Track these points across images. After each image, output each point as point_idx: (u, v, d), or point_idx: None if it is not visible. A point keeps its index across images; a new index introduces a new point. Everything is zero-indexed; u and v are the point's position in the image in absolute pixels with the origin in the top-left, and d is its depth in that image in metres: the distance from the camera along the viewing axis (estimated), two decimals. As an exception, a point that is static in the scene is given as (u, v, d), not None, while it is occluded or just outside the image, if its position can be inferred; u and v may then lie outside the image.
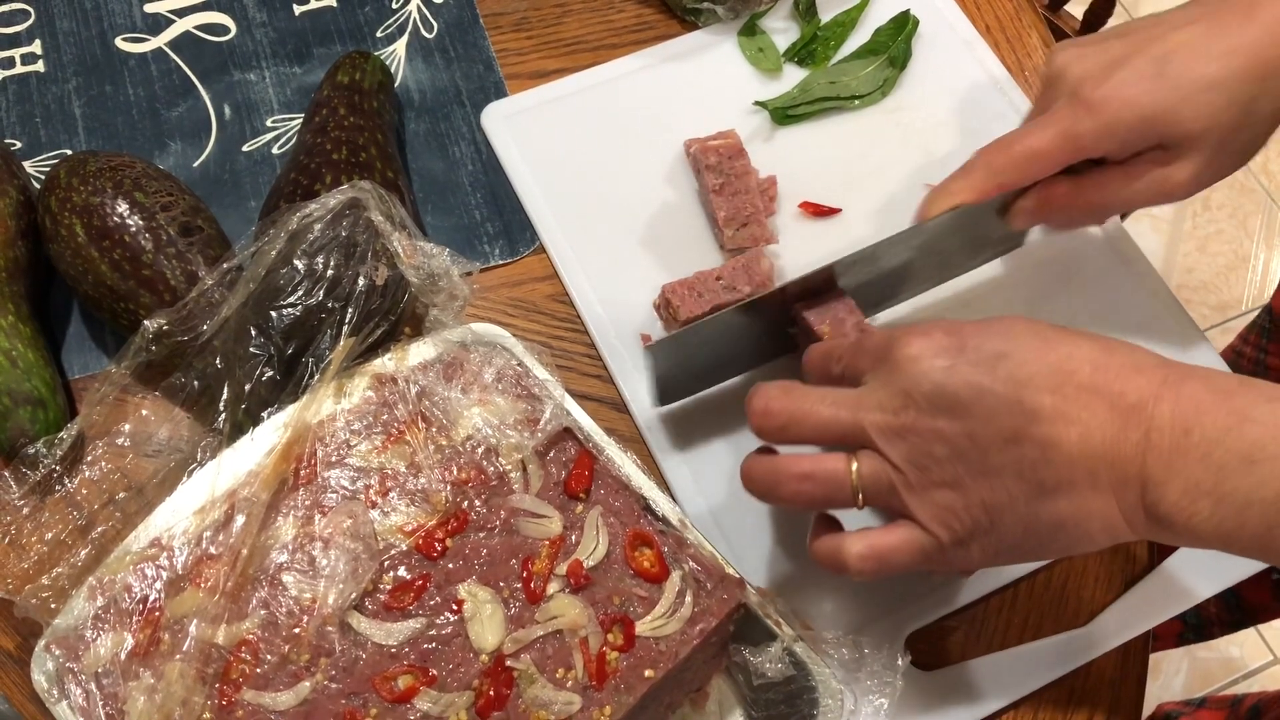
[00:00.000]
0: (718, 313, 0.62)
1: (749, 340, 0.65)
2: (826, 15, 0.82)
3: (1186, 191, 0.61)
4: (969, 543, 0.50)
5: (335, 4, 0.83)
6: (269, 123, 0.78)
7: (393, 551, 0.56)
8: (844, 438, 0.52)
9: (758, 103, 0.78)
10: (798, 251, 0.73)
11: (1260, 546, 0.46)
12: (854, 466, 0.52)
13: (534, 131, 0.77)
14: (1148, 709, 0.69)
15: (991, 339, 0.50)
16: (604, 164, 0.76)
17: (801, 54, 0.81)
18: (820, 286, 0.63)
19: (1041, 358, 0.49)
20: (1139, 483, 0.47)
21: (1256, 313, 1.05)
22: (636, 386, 0.69)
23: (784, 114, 0.78)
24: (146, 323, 0.60)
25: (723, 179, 0.72)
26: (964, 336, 0.51)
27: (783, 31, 0.82)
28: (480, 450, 0.59)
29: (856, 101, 0.79)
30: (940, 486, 0.50)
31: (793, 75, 0.80)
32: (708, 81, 0.80)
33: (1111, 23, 1.34)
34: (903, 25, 0.81)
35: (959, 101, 0.79)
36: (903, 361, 0.51)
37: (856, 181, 0.75)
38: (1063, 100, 0.60)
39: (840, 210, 0.75)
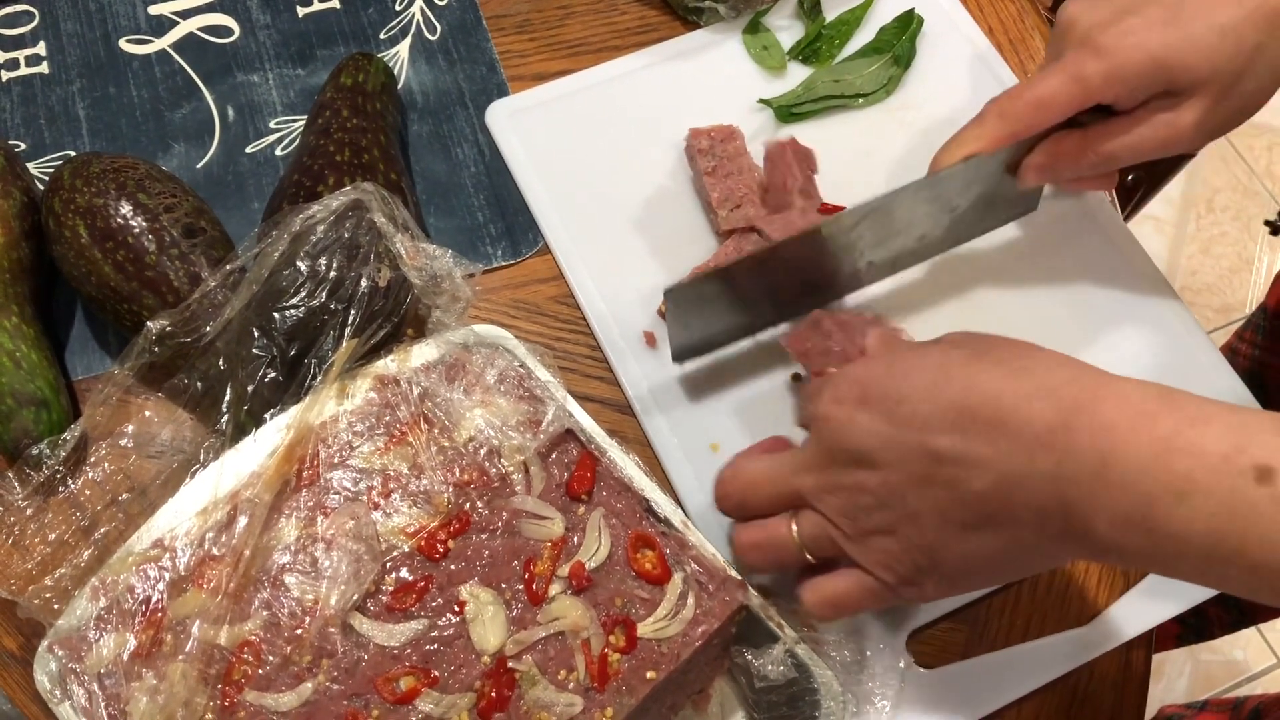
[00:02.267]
0: (736, 259, 0.62)
1: (768, 292, 0.65)
2: (831, 14, 0.82)
3: (1192, 138, 0.61)
4: (917, 581, 0.51)
5: (339, 6, 0.83)
6: (272, 124, 0.79)
7: (395, 553, 0.56)
8: (788, 502, 0.54)
9: (762, 100, 0.78)
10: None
11: (1200, 576, 0.44)
12: (793, 527, 0.54)
13: (538, 129, 0.77)
14: (1150, 711, 0.69)
15: (892, 381, 0.50)
16: (608, 162, 0.76)
17: (806, 52, 0.81)
18: (836, 243, 0.64)
19: (938, 396, 0.48)
20: (1060, 514, 0.45)
21: (1253, 312, 1.04)
22: (640, 386, 0.69)
23: (788, 112, 0.78)
24: (149, 324, 0.61)
25: (715, 162, 0.73)
26: (867, 383, 0.51)
27: (787, 30, 0.82)
28: (482, 452, 0.59)
29: (861, 100, 0.79)
30: (875, 534, 0.51)
31: (797, 73, 0.80)
32: (712, 79, 0.80)
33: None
34: (907, 24, 0.81)
35: (963, 100, 0.79)
36: (818, 420, 0.52)
37: (860, 179, 0.75)
38: (1072, 47, 0.60)
39: (844, 208, 0.74)
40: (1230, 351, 1.03)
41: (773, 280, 0.64)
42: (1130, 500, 0.43)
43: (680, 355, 0.67)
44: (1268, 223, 0.91)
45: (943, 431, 0.48)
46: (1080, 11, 0.61)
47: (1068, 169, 0.64)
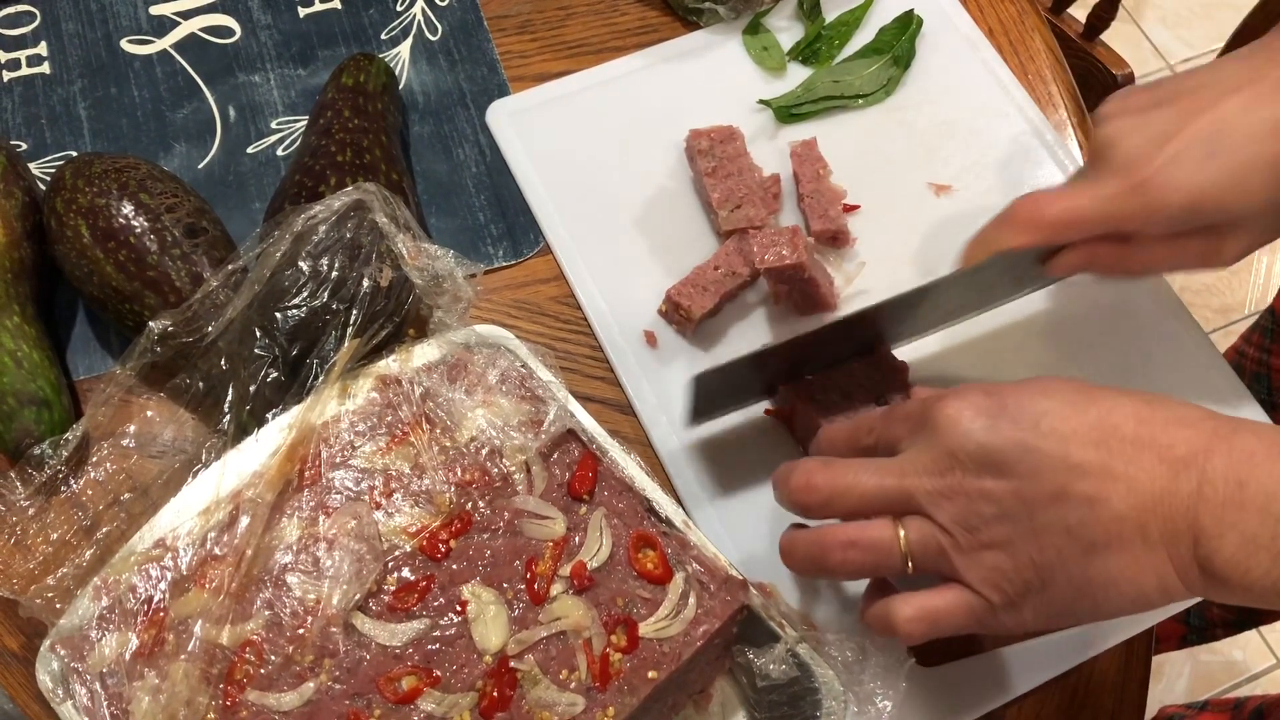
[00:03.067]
0: (767, 347, 0.62)
1: (792, 366, 0.65)
2: (831, 14, 0.82)
3: (1233, 261, 0.60)
4: (1020, 604, 0.50)
5: (340, 6, 0.84)
6: (274, 125, 0.79)
7: (397, 553, 0.57)
8: (890, 506, 0.52)
9: (762, 101, 0.78)
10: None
11: None
12: (901, 532, 0.51)
13: (539, 128, 0.78)
14: (1150, 712, 0.69)
15: (1031, 397, 0.50)
16: (608, 161, 0.76)
17: (805, 53, 0.81)
18: (868, 327, 0.64)
19: (1083, 413, 0.48)
20: (1191, 536, 0.46)
21: (1259, 314, 1.04)
22: (640, 385, 0.69)
23: (788, 112, 0.78)
24: (151, 324, 0.61)
25: (715, 162, 0.73)
26: (1003, 396, 0.50)
27: (787, 30, 0.82)
28: (484, 452, 0.59)
29: (860, 100, 0.79)
30: (989, 547, 0.49)
31: (797, 74, 0.80)
32: (712, 80, 0.80)
33: (1116, 26, 1.34)
34: (906, 25, 0.81)
35: (963, 101, 0.80)
36: (944, 423, 0.50)
37: (859, 180, 0.76)
38: (1110, 173, 0.58)
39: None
40: (1237, 355, 1.03)
41: (797, 358, 0.64)
42: (1261, 522, 0.45)
43: (695, 423, 0.66)
44: None
45: (1087, 445, 0.48)
46: (1118, 133, 0.58)
47: (1100, 272, 0.63)
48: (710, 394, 0.63)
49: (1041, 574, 0.49)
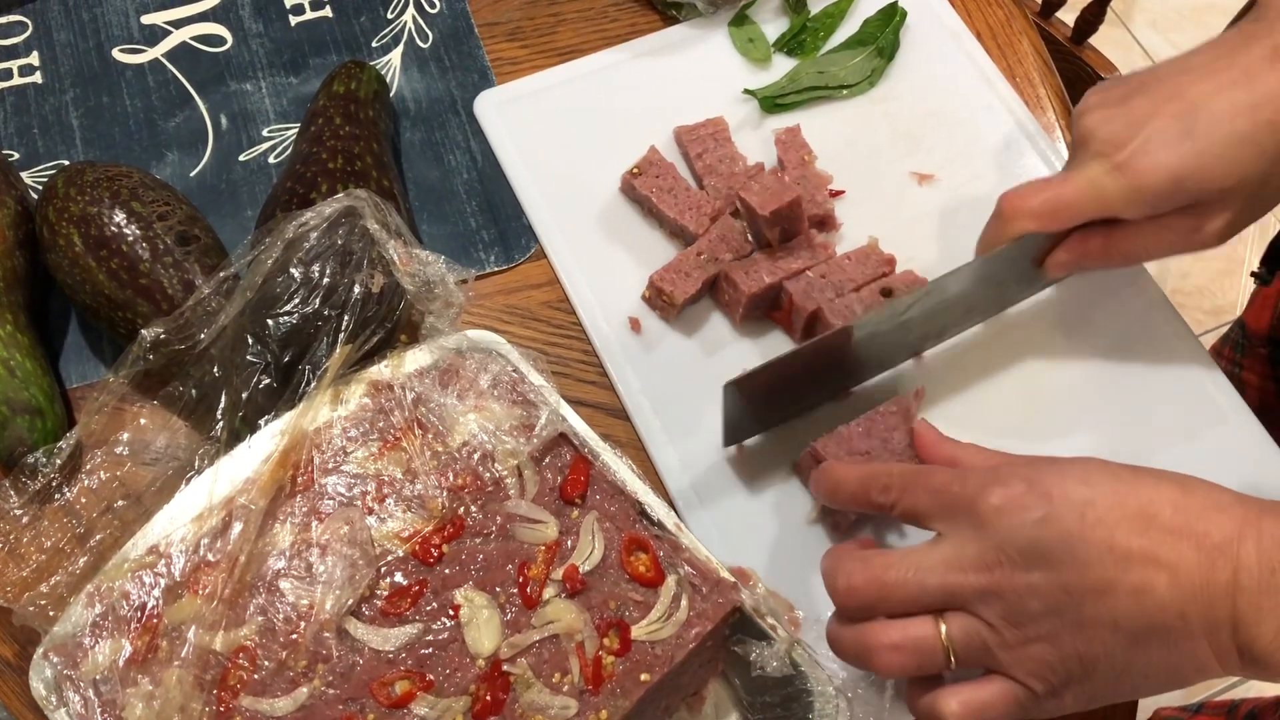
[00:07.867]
0: (791, 351, 0.61)
1: (817, 376, 0.65)
2: (816, 7, 0.84)
3: (1219, 241, 0.61)
4: (1062, 692, 0.50)
5: (331, 14, 0.84)
6: (265, 132, 0.79)
7: (389, 557, 0.57)
8: (933, 605, 0.51)
9: (747, 91, 0.79)
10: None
11: None
12: (943, 629, 0.51)
13: (525, 117, 0.78)
14: (1145, 714, 0.69)
15: (1073, 485, 0.50)
16: (594, 150, 0.77)
17: (791, 44, 0.82)
18: (886, 325, 0.64)
19: (1124, 502, 0.49)
20: (1230, 624, 0.47)
21: (1229, 326, 1.04)
22: (625, 371, 0.70)
23: (773, 103, 0.79)
24: (144, 332, 0.61)
25: (701, 150, 0.75)
26: (1046, 485, 0.50)
27: (772, 22, 0.83)
28: (476, 456, 0.59)
29: (845, 91, 0.80)
30: (1035, 641, 0.49)
31: (782, 65, 0.81)
32: (698, 71, 0.81)
33: (1105, 29, 1.35)
34: (891, 17, 0.82)
35: (946, 93, 0.80)
36: (989, 515, 0.50)
37: (844, 169, 0.76)
38: (1090, 159, 0.60)
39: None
40: None
41: (822, 366, 0.63)
42: None
43: (731, 442, 0.65)
44: (1254, 274, 0.92)
45: (1132, 535, 0.48)
46: (1096, 123, 0.60)
47: (1092, 265, 0.64)
48: (745, 407, 0.61)
49: (1085, 664, 0.49)
